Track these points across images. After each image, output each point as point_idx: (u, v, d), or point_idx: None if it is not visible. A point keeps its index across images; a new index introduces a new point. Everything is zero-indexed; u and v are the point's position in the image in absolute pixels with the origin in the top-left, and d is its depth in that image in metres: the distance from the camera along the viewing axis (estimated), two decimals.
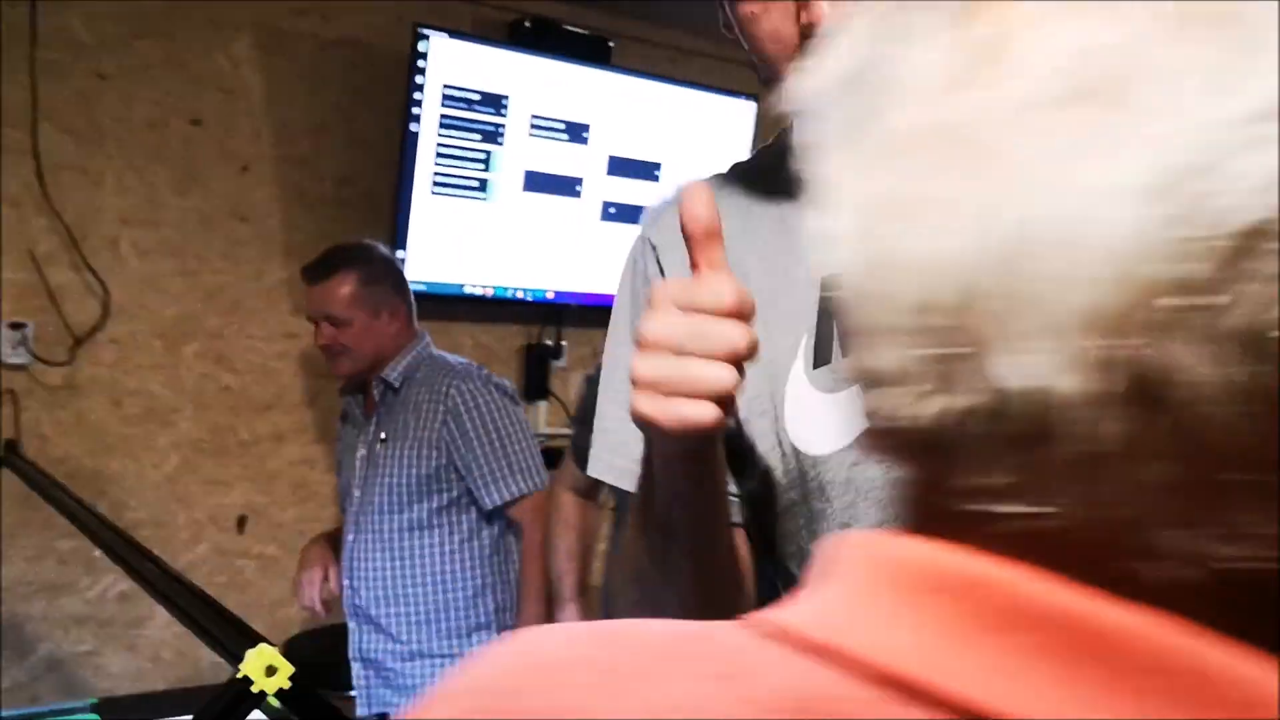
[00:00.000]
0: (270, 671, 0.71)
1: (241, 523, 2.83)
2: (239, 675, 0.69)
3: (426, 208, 2.82)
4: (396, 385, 2.30)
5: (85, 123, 2.54)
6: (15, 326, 2.46)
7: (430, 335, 3.07)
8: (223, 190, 2.73)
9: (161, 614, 2.19)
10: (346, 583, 2.33)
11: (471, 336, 3.15)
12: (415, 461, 2.23)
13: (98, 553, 2.09)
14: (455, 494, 2.26)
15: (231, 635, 0.75)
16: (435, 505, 2.26)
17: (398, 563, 2.26)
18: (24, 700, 2.53)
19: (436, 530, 2.26)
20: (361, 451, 2.32)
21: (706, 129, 3.23)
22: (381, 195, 2.83)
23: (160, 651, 2.69)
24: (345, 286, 2.29)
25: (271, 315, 2.83)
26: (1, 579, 2.47)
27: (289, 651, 2.68)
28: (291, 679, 0.71)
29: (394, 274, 2.42)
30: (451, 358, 2.41)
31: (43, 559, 2.55)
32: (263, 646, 0.69)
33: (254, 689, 0.70)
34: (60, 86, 2.49)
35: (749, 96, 3.26)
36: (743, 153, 3.27)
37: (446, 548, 2.26)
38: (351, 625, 2.34)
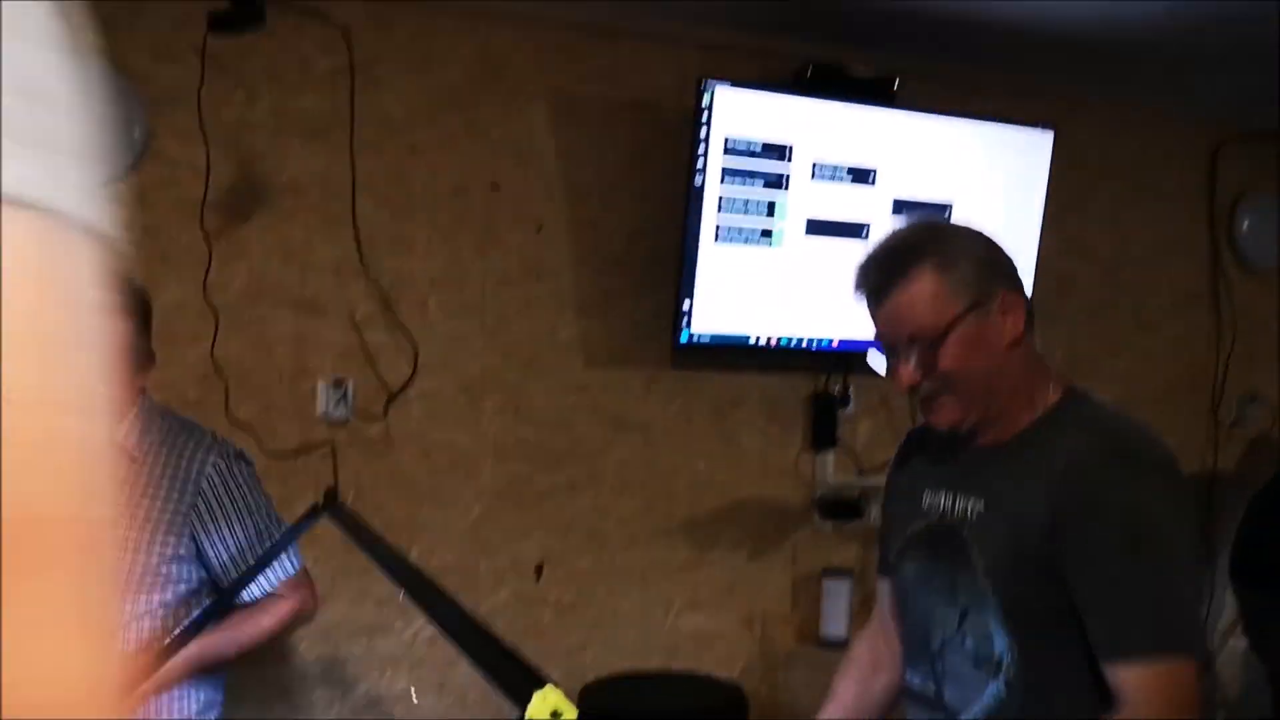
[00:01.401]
0: (555, 716, 0.70)
1: (539, 570, 2.92)
2: (525, 718, 0.69)
3: (712, 258, 2.84)
4: None
5: (398, 192, 2.73)
6: (337, 384, 2.66)
7: (716, 385, 3.09)
8: (519, 250, 2.85)
9: None
10: None
11: (759, 387, 3.13)
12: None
13: None
14: None
15: (519, 678, 0.75)
16: None
17: None
18: None
19: None
20: None
21: (999, 163, 3.09)
22: (668, 249, 2.87)
23: (468, 693, 2.80)
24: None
25: (564, 369, 2.92)
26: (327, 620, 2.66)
27: (583, 698, 2.71)
28: None
29: None
30: None
31: (362, 602, 2.71)
32: (548, 690, 0.69)
33: None
34: (376, 161, 2.68)
35: (1045, 126, 3.10)
36: (1039, 185, 3.10)
37: None
38: None
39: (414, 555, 2.76)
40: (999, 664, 1.48)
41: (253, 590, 1.91)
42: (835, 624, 3.07)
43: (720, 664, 3.10)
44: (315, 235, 2.65)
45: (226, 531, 1.89)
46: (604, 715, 2.69)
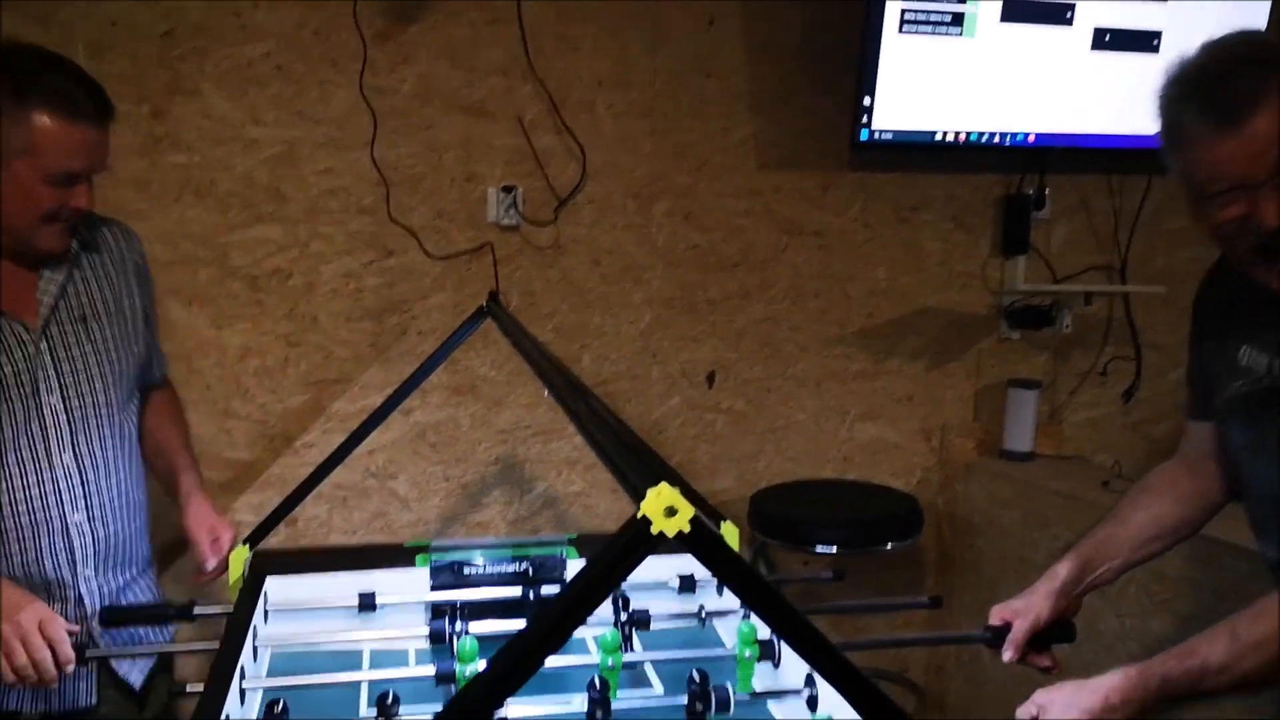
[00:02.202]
0: (670, 513, 0.66)
1: (710, 378, 2.89)
2: (638, 515, 0.65)
3: (895, 50, 2.64)
4: None
5: None
6: (506, 190, 2.63)
7: (898, 186, 2.92)
8: (689, 47, 2.72)
9: None
10: None
11: (944, 188, 2.95)
12: None
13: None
14: None
15: (639, 473, 0.70)
16: None
17: None
18: (525, 531, 2.80)
19: None
20: None
21: None
22: (848, 41, 2.68)
23: None
24: None
25: (737, 172, 2.81)
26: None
27: (754, 506, 2.70)
28: (692, 522, 0.65)
29: None
30: None
31: (537, 406, 2.76)
32: (663, 486, 0.65)
33: (653, 530, 0.67)
34: None
35: None
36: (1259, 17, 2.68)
37: None
38: None
39: (585, 361, 2.78)
40: None
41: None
42: (1019, 437, 2.96)
43: (895, 475, 3.05)
44: (481, 37, 2.58)
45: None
46: (771, 520, 2.69)
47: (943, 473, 3.08)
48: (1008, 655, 1.62)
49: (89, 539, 1.76)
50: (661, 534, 0.68)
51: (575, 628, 0.66)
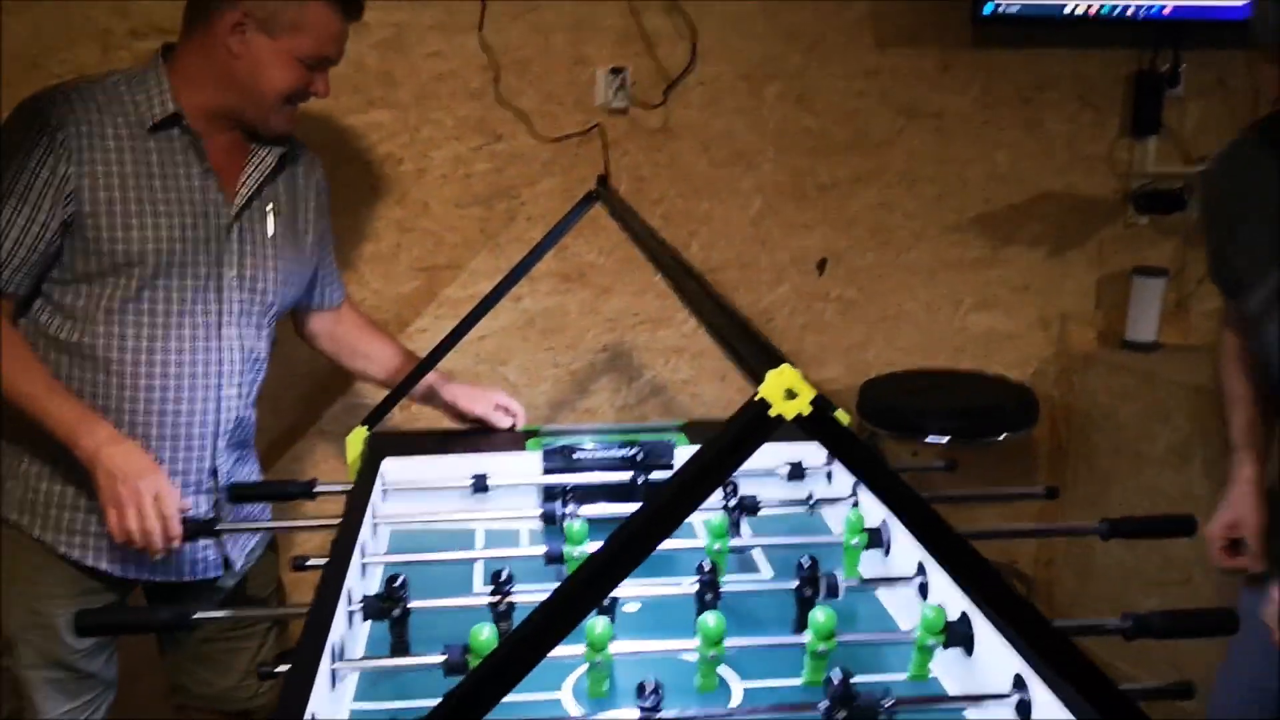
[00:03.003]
0: (790, 395, 0.64)
1: (821, 265, 2.84)
2: (757, 398, 0.64)
3: None
4: None
5: None
6: (615, 71, 2.58)
7: (1022, 64, 2.79)
8: None
9: None
10: None
11: (1072, 66, 2.80)
12: None
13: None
14: None
15: (757, 357, 0.69)
16: None
17: None
18: (633, 418, 2.82)
19: None
20: None
21: None
22: None
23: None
24: None
25: (852, 51, 2.71)
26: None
27: (864, 394, 2.67)
28: (813, 403, 0.64)
29: None
30: None
31: (645, 293, 2.75)
32: (784, 368, 0.63)
33: (772, 413, 0.66)
34: None
35: None
36: None
37: None
38: None
39: (694, 248, 2.75)
40: None
41: None
42: (1143, 327, 2.85)
43: (1010, 365, 2.97)
44: None
45: None
46: (881, 409, 2.66)
47: (1060, 364, 3.00)
48: (1257, 568, 1.64)
49: (233, 415, 1.85)
50: (780, 417, 0.66)
51: (692, 510, 0.66)
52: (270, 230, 1.84)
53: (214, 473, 1.85)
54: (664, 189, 2.70)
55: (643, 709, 1.10)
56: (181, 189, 1.74)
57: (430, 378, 2.02)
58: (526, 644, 0.66)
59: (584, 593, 0.66)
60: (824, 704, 1.12)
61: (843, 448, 0.67)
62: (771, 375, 0.66)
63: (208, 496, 1.84)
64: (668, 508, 0.66)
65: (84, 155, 1.66)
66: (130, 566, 1.80)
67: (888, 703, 1.11)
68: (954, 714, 1.25)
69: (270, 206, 1.85)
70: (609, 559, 0.67)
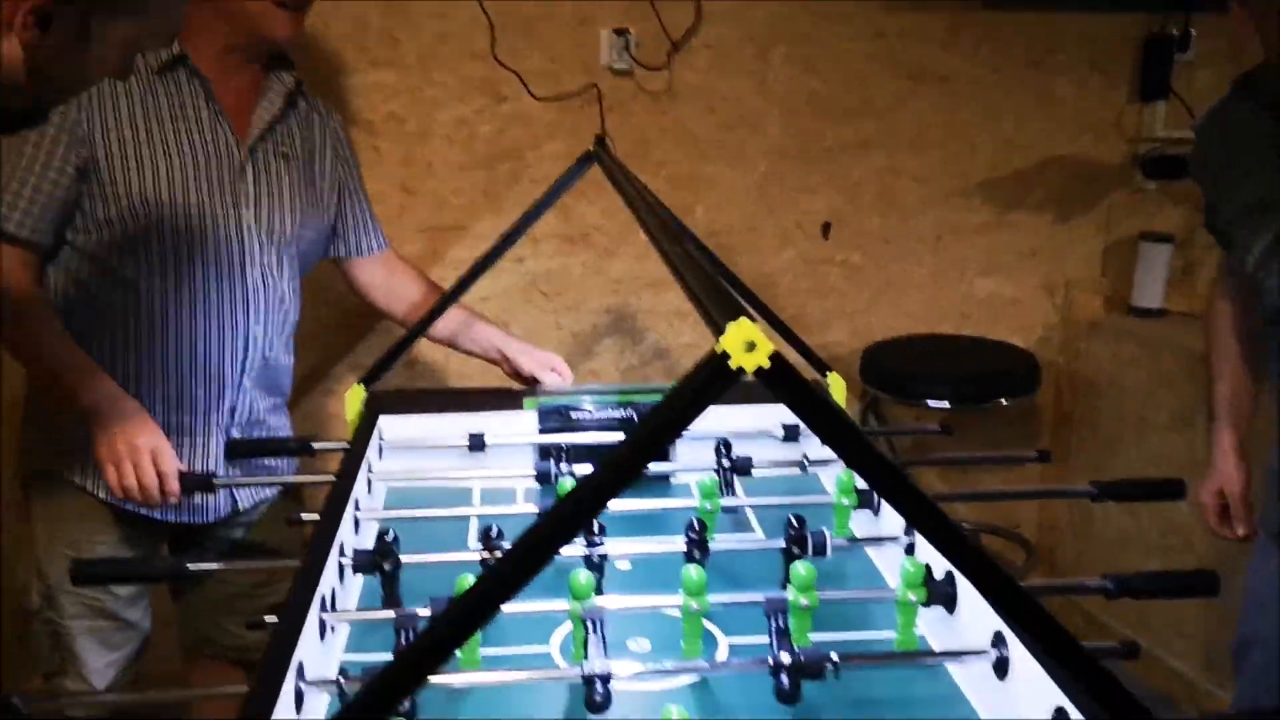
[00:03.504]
0: (750, 348, 0.65)
1: (826, 229, 2.84)
2: (717, 350, 0.64)
3: None
4: None
5: None
6: (618, 33, 2.57)
7: (1031, 27, 2.76)
8: None
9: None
10: None
11: (1081, 28, 2.78)
12: None
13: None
14: None
15: (719, 309, 0.69)
16: None
17: None
18: (636, 380, 2.83)
19: None
20: None
21: None
22: None
23: None
24: None
25: (859, 14, 2.69)
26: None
27: (867, 359, 2.67)
28: (771, 358, 0.64)
29: None
30: None
31: (648, 256, 2.75)
32: (742, 321, 0.64)
33: (731, 365, 0.66)
34: None
35: None
36: None
37: None
38: None
39: (698, 212, 2.75)
40: None
41: None
42: (1150, 293, 2.84)
43: (1014, 332, 2.97)
44: None
45: None
46: (883, 373, 2.67)
47: (1065, 330, 3.00)
48: (1243, 531, 1.66)
49: (258, 353, 1.88)
50: (740, 369, 0.67)
51: (647, 462, 0.67)
52: (285, 173, 1.87)
53: (233, 410, 1.88)
54: (668, 152, 2.69)
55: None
56: (193, 129, 1.77)
57: (491, 332, 2.11)
58: (483, 597, 0.67)
59: (545, 543, 0.67)
60: (770, 656, 1.14)
61: (801, 402, 0.68)
62: (731, 327, 0.66)
63: (225, 434, 1.88)
64: (627, 459, 0.67)
65: (93, 100, 1.70)
66: (154, 509, 1.83)
67: (833, 658, 1.13)
68: (935, 669, 1.27)
69: (284, 149, 1.88)
70: (570, 511, 0.68)
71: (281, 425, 2.04)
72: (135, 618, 1.91)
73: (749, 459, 1.74)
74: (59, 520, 1.84)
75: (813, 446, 1.86)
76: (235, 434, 1.90)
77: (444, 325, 2.08)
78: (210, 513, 1.91)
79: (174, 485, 1.69)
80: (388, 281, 2.13)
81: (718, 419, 1.76)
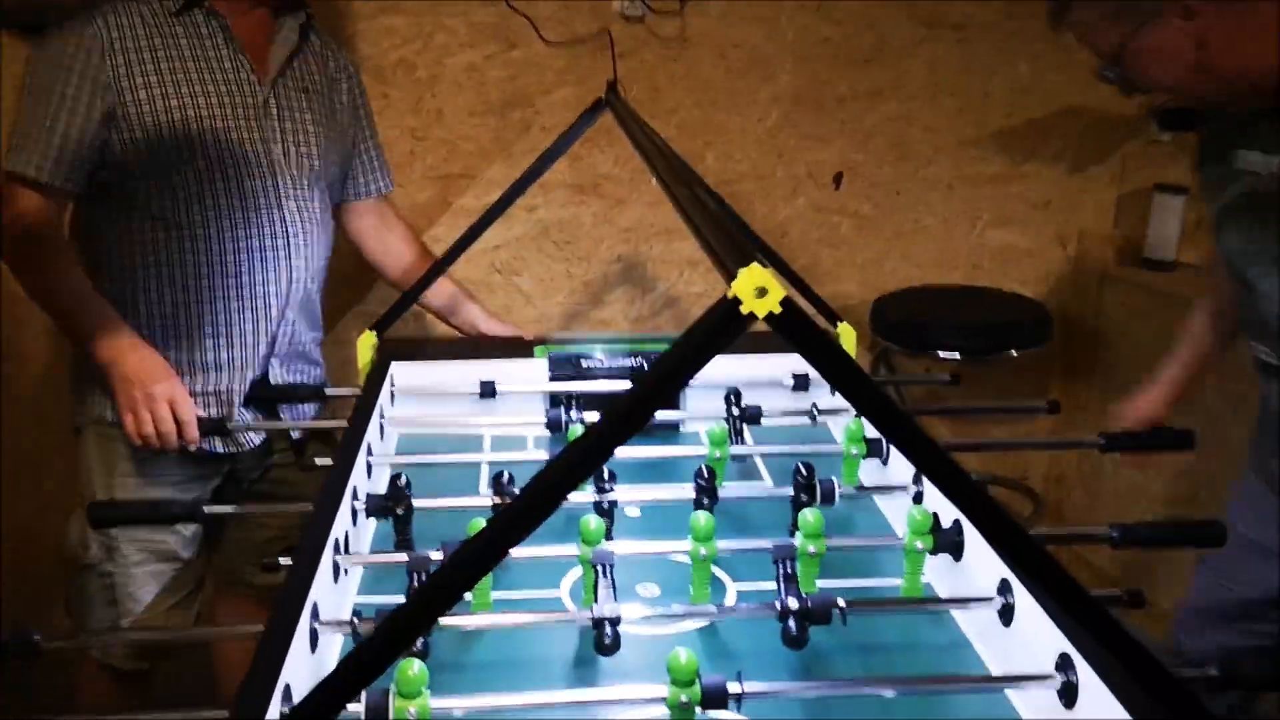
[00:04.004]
0: (761, 293, 0.65)
1: (838, 179, 2.82)
2: (729, 295, 0.66)
3: None
4: None
5: None
6: None
7: None
8: None
9: None
10: None
11: None
12: None
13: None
14: None
15: (730, 254, 0.69)
16: None
17: None
18: (647, 329, 2.83)
19: None
20: None
21: None
22: None
23: None
24: None
25: None
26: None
27: (877, 309, 2.66)
28: (783, 303, 0.65)
29: None
30: None
31: (660, 204, 2.74)
32: (754, 266, 0.64)
33: (743, 310, 0.67)
34: None
35: None
36: None
37: None
38: None
39: (709, 160, 2.73)
40: None
41: None
42: (1163, 245, 2.82)
43: (1026, 283, 2.96)
44: None
45: None
46: (894, 323, 2.67)
47: (1076, 281, 2.98)
48: (1125, 424, 1.69)
49: (300, 286, 1.90)
50: (752, 315, 0.67)
51: (657, 408, 0.67)
52: (307, 107, 1.89)
53: (273, 341, 1.90)
54: (679, 98, 2.68)
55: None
56: (214, 68, 1.79)
57: (474, 313, 2.10)
58: (493, 540, 0.68)
59: (550, 490, 0.68)
60: (778, 602, 1.15)
61: (812, 348, 0.68)
62: (743, 273, 0.66)
63: (265, 366, 1.90)
64: (638, 404, 0.67)
65: (115, 44, 1.72)
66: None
67: (840, 604, 1.14)
68: (941, 616, 1.28)
69: (304, 84, 1.89)
70: (580, 456, 0.68)
71: (320, 359, 2.06)
72: (191, 556, 1.91)
73: (758, 408, 1.75)
74: (117, 469, 1.85)
75: (823, 396, 1.87)
76: (276, 365, 1.92)
77: (436, 298, 2.09)
78: (244, 445, 1.92)
79: (193, 433, 1.71)
80: (380, 233, 2.12)
81: (728, 368, 1.78)
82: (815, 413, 1.81)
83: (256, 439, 1.92)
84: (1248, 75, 1.36)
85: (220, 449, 1.84)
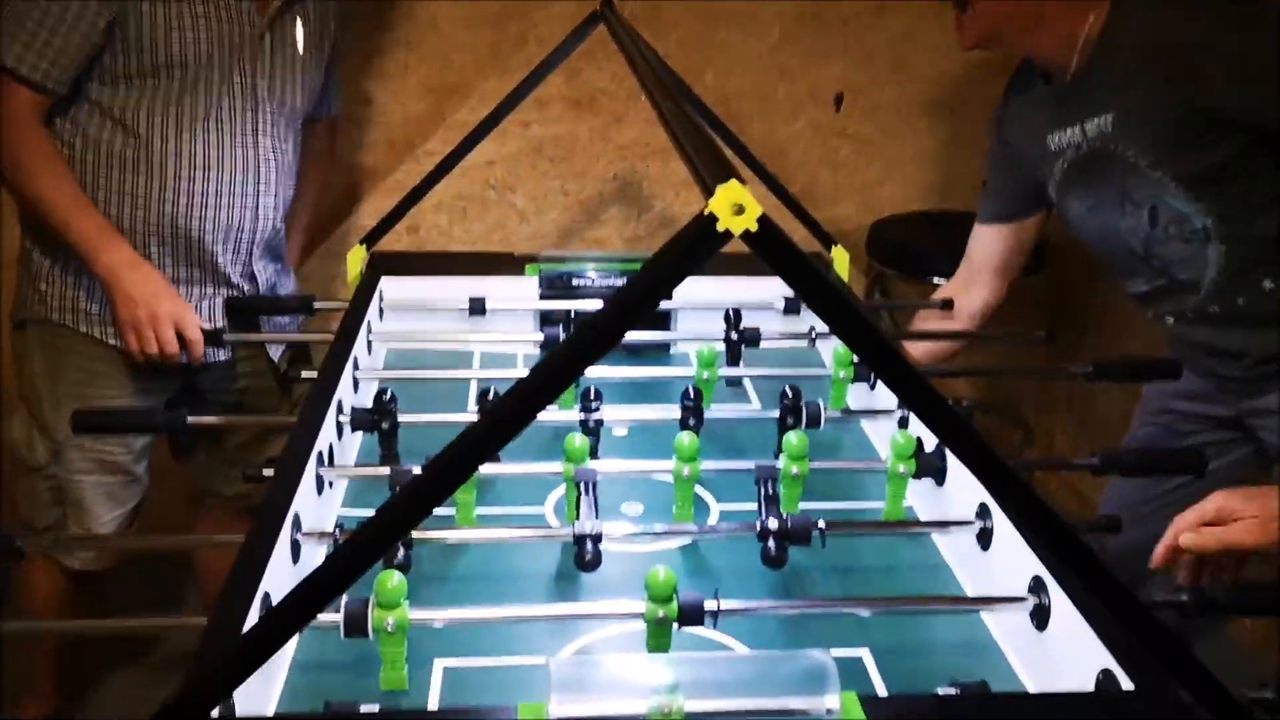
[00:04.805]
0: (738, 210, 0.64)
1: (839, 100, 2.78)
2: (705, 212, 0.65)
3: None
4: None
5: None
6: None
7: None
8: None
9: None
10: None
11: None
12: None
13: None
14: None
15: (711, 169, 0.69)
16: None
17: None
18: (642, 248, 2.81)
19: None
20: None
21: None
22: None
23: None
24: None
25: None
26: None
27: (874, 233, 2.64)
28: (759, 221, 0.64)
29: None
30: None
31: (656, 123, 2.69)
32: (732, 183, 0.63)
33: (719, 227, 0.66)
34: None
35: None
36: None
37: None
38: None
39: (708, 79, 2.69)
40: (1206, 229, 1.50)
41: None
42: None
43: None
44: None
45: None
46: (890, 248, 2.65)
47: None
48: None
49: (269, 224, 1.94)
50: (728, 232, 0.66)
51: (631, 325, 0.67)
52: (300, 42, 1.90)
53: (252, 277, 1.94)
54: (678, 14, 2.62)
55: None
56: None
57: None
58: (461, 456, 0.68)
59: (522, 404, 0.67)
60: (758, 522, 1.16)
61: (788, 267, 0.67)
62: (720, 189, 0.65)
63: (234, 292, 1.93)
64: (611, 320, 0.67)
65: None
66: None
67: (820, 525, 1.15)
68: (921, 539, 1.29)
69: (300, 20, 1.90)
70: (551, 372, 0.68)
71: (288, 288, 2.08)
72: (140, 472, 1.94)
73: (757, 330, 1.74)
74: (65, 374, 1.85)
75: (819, 320, 1.86)
76: (245, 285, 1.94)
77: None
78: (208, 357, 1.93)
79: (199, 352, 1.74)
80: (319, 148, 2.15)
81: (727, 289, 1.78)
82: (814, 336, 1.81)
83: (224, 353, 1.93)
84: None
85: (186, 361, 1.85)
